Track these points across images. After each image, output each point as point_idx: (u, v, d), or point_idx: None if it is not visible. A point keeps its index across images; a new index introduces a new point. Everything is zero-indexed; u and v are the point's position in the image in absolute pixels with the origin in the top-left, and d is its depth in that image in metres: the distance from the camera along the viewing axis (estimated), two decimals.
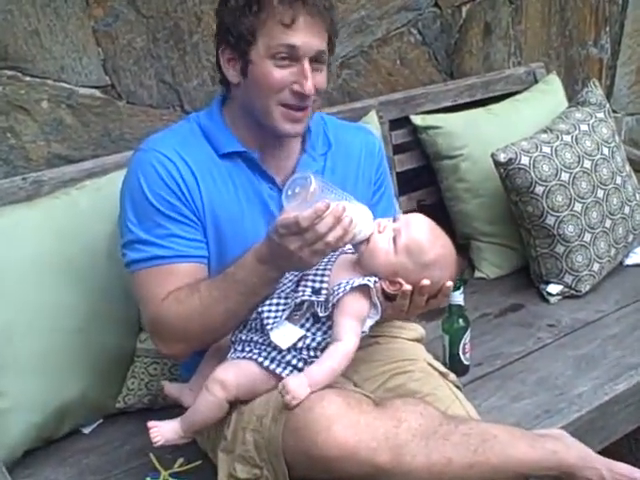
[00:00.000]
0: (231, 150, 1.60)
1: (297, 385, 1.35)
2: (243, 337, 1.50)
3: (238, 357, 1.48)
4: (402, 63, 2.70)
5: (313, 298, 1.43)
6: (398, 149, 2.55)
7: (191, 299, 1.49)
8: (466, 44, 2.87)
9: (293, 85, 1.51)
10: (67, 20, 2.00)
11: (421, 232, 1.47)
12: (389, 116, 2.54)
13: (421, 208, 2.47)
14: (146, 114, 2.20)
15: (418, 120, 2.56)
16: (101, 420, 1.94)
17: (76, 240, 1.85)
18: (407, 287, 1.41)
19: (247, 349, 1.48)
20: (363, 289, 1.41)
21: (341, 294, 1.40)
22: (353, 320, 1.41)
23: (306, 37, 1.49)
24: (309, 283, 1.46)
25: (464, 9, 2.82)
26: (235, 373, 1.46)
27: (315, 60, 1.52)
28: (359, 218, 1.39)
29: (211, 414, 1.48)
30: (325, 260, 1.47)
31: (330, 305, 1.41)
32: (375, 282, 1.42)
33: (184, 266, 1.54)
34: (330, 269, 1.47)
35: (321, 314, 1.43)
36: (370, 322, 1.44)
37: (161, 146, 1.57)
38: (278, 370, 1.44)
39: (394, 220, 1.48)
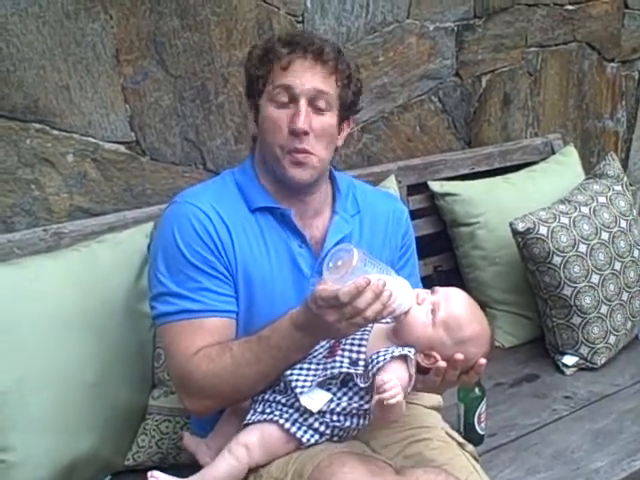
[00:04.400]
0: (263, 205, 1.61)
1: (394, 382, 1.31)
2: (267, 397, 1.49)
3: (259, 419, 1.46)
4: (422, 130, 2.74)
5: (352, 370, 1.42)
6: (415, 214, 2.55)
7: (223, 358, 1.48)
8: (485, 113, 2.91)
9: (289, 125, 1.53)
10: (97, 77, 2.04)
11: (460, 307, 1.46)
12: (407, 181, 2.56)
13: (437, 274, 2.47)
14: (168, 171, 2.22)
15: (436, 186, 2.58)
16: (109, 477, 1.91)
17: (94, 293, 1.85)
18: (442, 364, 1.40)
19: (268, 410, 1.46)
20: (402, 359, 1.40)
21: (381, 363, 1.38)
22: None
23: (302, 78, 1.53)
24: (346, 354, 1.44)
25: (484, 79, 2.87)
26: (258, 437, 1.44)
27: (315, 102, 1.54)
28: (399, 292, 1.38)
29: (230, 479, 1.45)
30: (361, 329, 1.46)
31: (370, 375, 1.39)
32: (414, 353, 1.41)
33: (214, 321, 1.53)
34: (367, 339, 1.45)
35: (362, 385, 1.41)
36: None
37: (197, 200, 1.58)
38: (299, 434, 1.42)
39: (432, 292, 1.47)
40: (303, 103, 1.52)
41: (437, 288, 1.49)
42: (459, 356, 1.41)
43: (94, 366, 1.82)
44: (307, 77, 1.53)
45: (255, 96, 1.60)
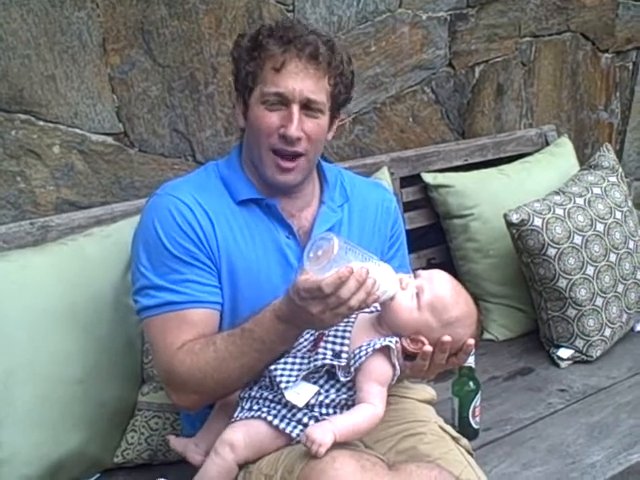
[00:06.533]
0: (249, 197, 1.59)
1: (320, 432, 1.30)
2: (253, 393, 1.46)
3: (246, 416, 1.43)
4: (414, 121, 2.71)
5: (335, 362, 1.40)
6: (408, 206, 2.54)
7: (206, 352, 1.46)
8: (478, 104, 2.88)
9: (280, 129, 1.51)
10: (84, 67, 2.01)
11: (445, 289, 1.44)
12: (400, 173, 2.54)
13: (430, 267, 2.44)
14: (157, 163, 2.19)
15: (429, 178, 2.55)
16: (98, 475, 1.88)
17: (81, 288, 1.82)
18: (428, 348, 1.38)
19: (255, 407, 1.44)
20: (384, 350, 1.38)
21: (363, 358, 1.36)
22: (378, 386, 1.37)
23: (295, 83, 1.50)
24: (329, 345, 1.42)
25: (477, 70, 2.84)
26: (244, 433, 1.41)
27: (307, 106, 1.52)
28: (383, 279, 1.35)
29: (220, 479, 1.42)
30: (345, 320, 1.44)
31: (352, 369, 1.38)
32: (396, 342, 1.39)
33: (198, 312, 1.51)
34: (350, 330, 1.43)
35: (343, 379, 1.39)
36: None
37: (178, 191, 1.56)
38: (288, 429, 1.40)
39: (415, 276, 1.45)
40: (296, 109, 1.51)
41: (420, 272, 1.47)
42: (446, 338, 1.39)
43: (81, 361, 1.79)
44: (300, 81, 1.50)
45: (244, 91, 1.57)
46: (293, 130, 1.50)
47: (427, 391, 1.77)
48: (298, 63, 1.50)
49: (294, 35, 1.51)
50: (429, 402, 1.75)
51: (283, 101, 1.50)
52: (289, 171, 1.55)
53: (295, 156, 1.54)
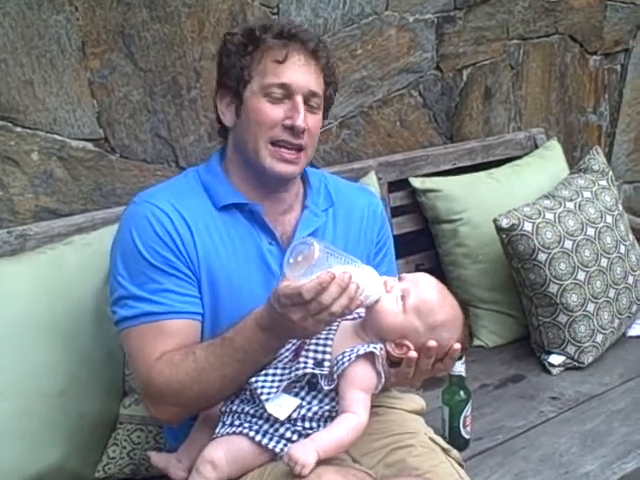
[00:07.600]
0: (231, 202, 1.56)
1: (303, 452, 1.26)
2: (235, 408, 1.42)
3: (227, 432, 1.39)
4: (402, 124, 2.68)
5: (316, 371, 1.36)
6: (396, 211, 2.50)
7: (186, 363, 1.42)
8: (466, 107, 2.85)
9: (285, 121, 1.50)
10: (62, 71, 1.96)
11: (430, 292, 1.41)
12: (388, 178, 2.50)
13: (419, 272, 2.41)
14: (139, 169, 2.14)
15: (417, 183, 2.52)
16: None
17: (61, 298, 1.78)
18: (413, 354, 1.35)
19: (237, 422, 1.40)
20: (368, 357, 1.34)
21: (346, 364, 1.33)
22: (362, 393, 1.33)
23: (298, 75, 1.50)
24: (310, 354, 1.38)
25: (465, 73, 2.81)
26: (225, 451, 1.37)
27: (308, 101, 1.52)
28: (366, 283, 1.31)
29: None
30: (327, 328, 1.40)
31: (335, 377, 1.34)
32: (380, 349, 1.35)
33: (177, 322, 1.48)
34: (332, 338, 1.40)
35: (326, 387, 1.35)
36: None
37: (155, 199, 1.53)
38: (271, 445, 1.36)
39: (400, 279, 1.42)
40: (301, 101, 1.50)
41: (404, 275, 1.44)
42: (432, 343, 1.36)
43: (61, 373, 1.75)
44: (303, 74, 1.51)
45: (237, 86, 1.54)
46: (301, 121, 1.49)
47: (416, 401, 1.72)
48: (301, 57, 1.51)
49: (295, 31, 1.53)
50: (418, 412, 1.70)
51: (287, 93, 1.50)
52: (291, 163, 1.53)
53: (298, 149, 1.52)
